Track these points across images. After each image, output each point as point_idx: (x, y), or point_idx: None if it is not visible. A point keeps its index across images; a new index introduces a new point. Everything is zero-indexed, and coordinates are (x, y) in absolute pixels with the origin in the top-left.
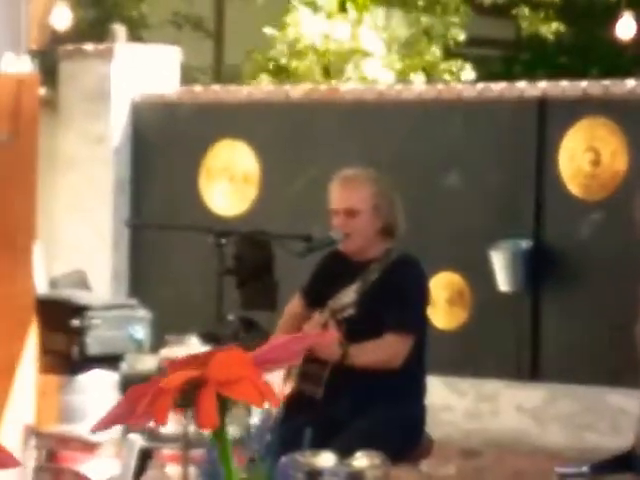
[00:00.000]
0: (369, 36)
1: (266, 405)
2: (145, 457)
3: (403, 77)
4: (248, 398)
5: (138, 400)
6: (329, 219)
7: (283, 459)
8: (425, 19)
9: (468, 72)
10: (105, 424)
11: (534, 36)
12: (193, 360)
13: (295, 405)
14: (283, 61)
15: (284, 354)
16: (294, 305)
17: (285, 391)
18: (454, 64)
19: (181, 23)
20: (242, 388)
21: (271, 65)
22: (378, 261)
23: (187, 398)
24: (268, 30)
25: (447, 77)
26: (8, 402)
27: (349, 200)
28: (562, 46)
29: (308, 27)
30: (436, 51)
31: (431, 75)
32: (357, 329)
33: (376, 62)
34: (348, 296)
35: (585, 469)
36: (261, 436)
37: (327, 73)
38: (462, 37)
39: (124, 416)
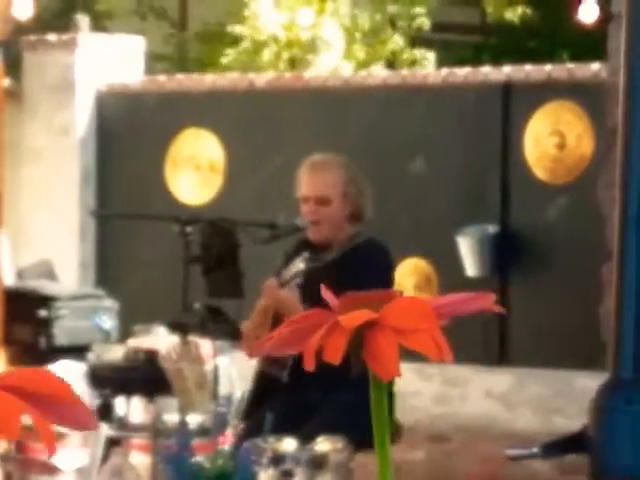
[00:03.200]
0: (329, 26)
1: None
2: (112, 446)
3: (364, 67)
4: (426, 350)
5: (307, 330)
6: (295, 206)
7: (245, 445)
8: (391, 7)
9: (431, 61)
10: (265, 349)
11: (500, 21)
12: (367, 299)
13: (260, 388)
14: (244, 57)
15: (461, 309)
16: None
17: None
18: (417, 52)
19: (145, 12)
20: (421, 339)
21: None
22: (340, 243)
23: (356, 340)
24: (233, 28)
25: (409, 67)
26: None
27: (320, 188)
28: (530, 31)
29: (268, 18)
30: (400, 40)
31: (394, 64)
32: (305, 299)
33: (335, 54)
34: (296, 266)
35: (535, 450)
36: (223, 421)
37: (292, 64)
38: (427, 26)
39: (288, 343)
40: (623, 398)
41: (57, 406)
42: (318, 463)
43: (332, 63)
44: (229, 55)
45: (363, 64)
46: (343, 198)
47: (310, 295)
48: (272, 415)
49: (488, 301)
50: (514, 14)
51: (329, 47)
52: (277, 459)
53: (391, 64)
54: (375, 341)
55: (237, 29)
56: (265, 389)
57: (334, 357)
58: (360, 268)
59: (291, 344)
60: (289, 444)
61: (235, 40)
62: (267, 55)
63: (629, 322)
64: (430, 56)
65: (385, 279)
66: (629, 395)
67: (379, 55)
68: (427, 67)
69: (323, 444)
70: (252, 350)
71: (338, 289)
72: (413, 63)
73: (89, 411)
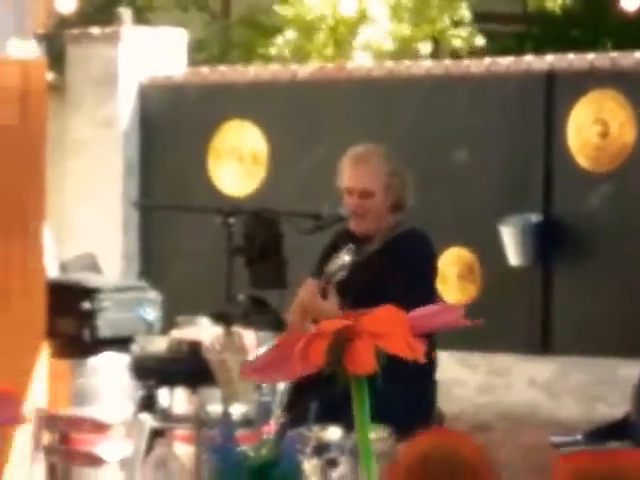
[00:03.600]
0: (375, 3)
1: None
2: (156, 437)
3: (410, 45)
4: (399, 351)
5: (290, 347)
6: (338, 197)
7: (290, 434)
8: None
9: (479, 39)
10: (257, 371)
11: (542, 10)
12: (346, 316)
13: (303, 378)
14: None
15: (431, 323)
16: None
17: None
18: (464, 31)
19: (187, 5)
20: (395, 341)
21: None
22: (382, 233)
23: (337, 347)
24: (279, 9)
25: (457, 44)
26: (21, 386)
27: (364, 181)
28: (572, 19)
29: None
30: (446, 19)
31: (440, 43)
32: (348, 292)
33: (379, 29)
34: (341, 259)
35: (579, 437)
36: (267, 411)
37: (338, 46)
38: (468, 18)
39: (276, 363)
40: None
41: None
42: None
43: (376, 39)
44: (276, 45)
45: (408, 42)
46: (386, 190)
47: (354, 289)
48: (316, 404)
49: (457, 314)
50: (555, 3)
51: (375, 23)
52: (321, 448)
53: (437, 43)
54: (353, 344)
55: (283, 12)
56: (308, 378)
57: (317, 359)
58: (404, 258)
59: (276, 362)
60: (333, 433)
61: (279, 28)
62: (318, 38)
63: None
64: (478, 36)
65: (428, 268)
66: None
67: (425, 34)
68: (477, 42)
69: None
70: (244, 371)
71: (383, 279)
72: (462, 39)
73: (19, 406)
